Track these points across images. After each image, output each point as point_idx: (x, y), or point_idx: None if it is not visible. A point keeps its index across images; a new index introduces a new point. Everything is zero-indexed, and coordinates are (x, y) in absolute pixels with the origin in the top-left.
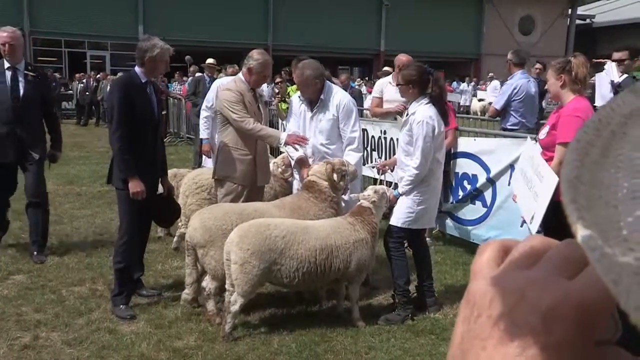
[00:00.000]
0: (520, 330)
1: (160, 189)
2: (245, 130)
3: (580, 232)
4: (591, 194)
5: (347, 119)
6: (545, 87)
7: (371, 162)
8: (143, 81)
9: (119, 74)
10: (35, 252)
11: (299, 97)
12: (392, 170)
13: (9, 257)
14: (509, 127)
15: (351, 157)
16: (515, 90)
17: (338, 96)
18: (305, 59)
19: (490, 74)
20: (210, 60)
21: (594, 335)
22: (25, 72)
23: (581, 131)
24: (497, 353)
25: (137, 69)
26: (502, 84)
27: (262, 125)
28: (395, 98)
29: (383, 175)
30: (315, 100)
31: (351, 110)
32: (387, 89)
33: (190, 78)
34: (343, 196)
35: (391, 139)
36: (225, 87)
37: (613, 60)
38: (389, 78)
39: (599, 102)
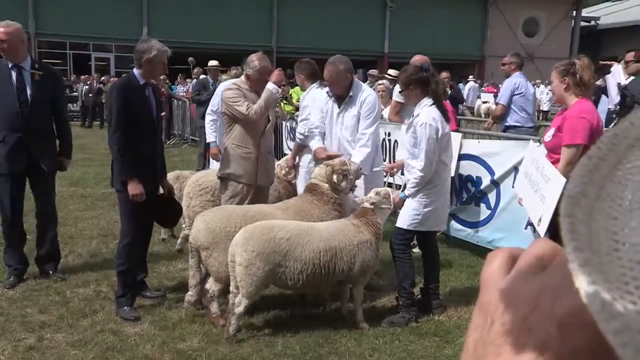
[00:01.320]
0: (535, 337)
1: (160, 190)
2: (253, 116)
3: (571, 256)
4: (595, 206)
5: (367, 116)
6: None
7: None
8: (141, 83)
9: (123, 76)
10: (51, 271)
11: (328, 92)
12: (401, 173)
13: None
14: (512, 125)
15: (358, 153)
16: (517, 85)
17: (365, 93)
18: (307, 60)
19: (470, 75)
20: (212, 62)
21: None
22: (32, 70)
23: (595, 148)
24: None
25: (135, 70)
26: (488, 84)
27: (257, 102)
28: None
29: (391, 178)
30: (344, 96)
31: (373, 108)
32: None
33: (194, 80)
34: (353, 196)
35: (395, 141)
36: (226, 87)
37: (627, 61)
38: None
39: (610, 105)
